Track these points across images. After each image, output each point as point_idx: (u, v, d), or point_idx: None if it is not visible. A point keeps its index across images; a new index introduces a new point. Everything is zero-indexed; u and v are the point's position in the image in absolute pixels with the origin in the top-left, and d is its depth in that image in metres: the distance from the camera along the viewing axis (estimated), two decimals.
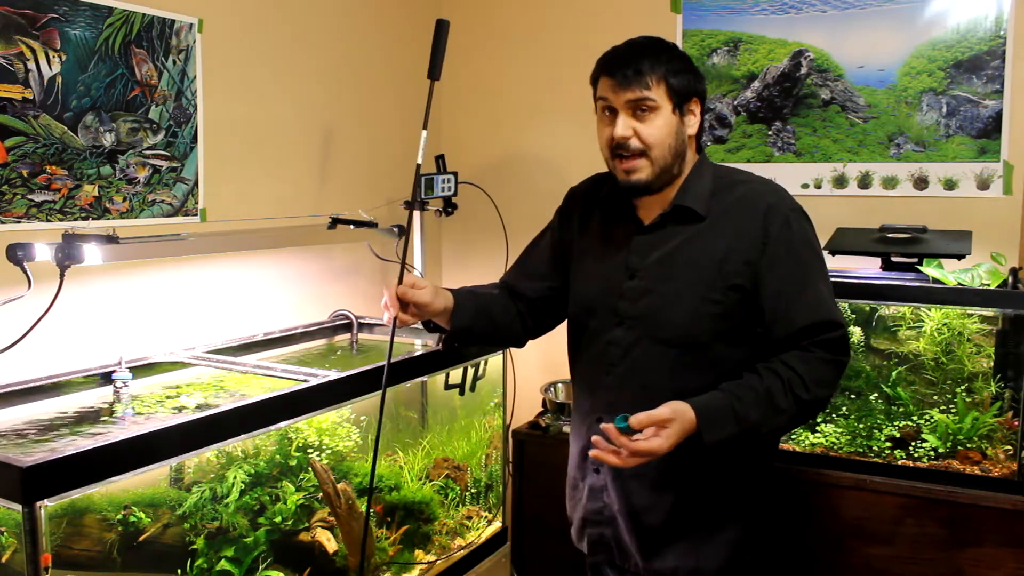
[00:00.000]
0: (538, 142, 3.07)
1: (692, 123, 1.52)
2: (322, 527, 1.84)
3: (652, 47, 1.48)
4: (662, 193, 1.53)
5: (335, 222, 2.39)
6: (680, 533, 1.53)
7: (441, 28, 1.44)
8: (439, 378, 2.20)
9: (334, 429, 1.94)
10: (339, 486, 1.85)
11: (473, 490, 2.33)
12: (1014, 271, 2.11)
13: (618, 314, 1.54)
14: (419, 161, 1.43)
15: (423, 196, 2.58)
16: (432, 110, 3.51)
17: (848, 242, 2.25)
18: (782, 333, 1.45)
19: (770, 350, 1.46)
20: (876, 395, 2.13)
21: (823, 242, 2.22)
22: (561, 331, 1.75)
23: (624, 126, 1.45)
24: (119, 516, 1.52)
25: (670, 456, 1.41)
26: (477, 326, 1.63)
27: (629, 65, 1.45)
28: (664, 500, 1.53)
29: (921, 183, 2.52)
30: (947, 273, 2.04)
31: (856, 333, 2.15)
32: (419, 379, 2.13)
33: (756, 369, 1.44)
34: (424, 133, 1.43)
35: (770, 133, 2.71)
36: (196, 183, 2.24)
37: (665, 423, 1.34)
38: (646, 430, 1.34)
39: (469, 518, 2.29)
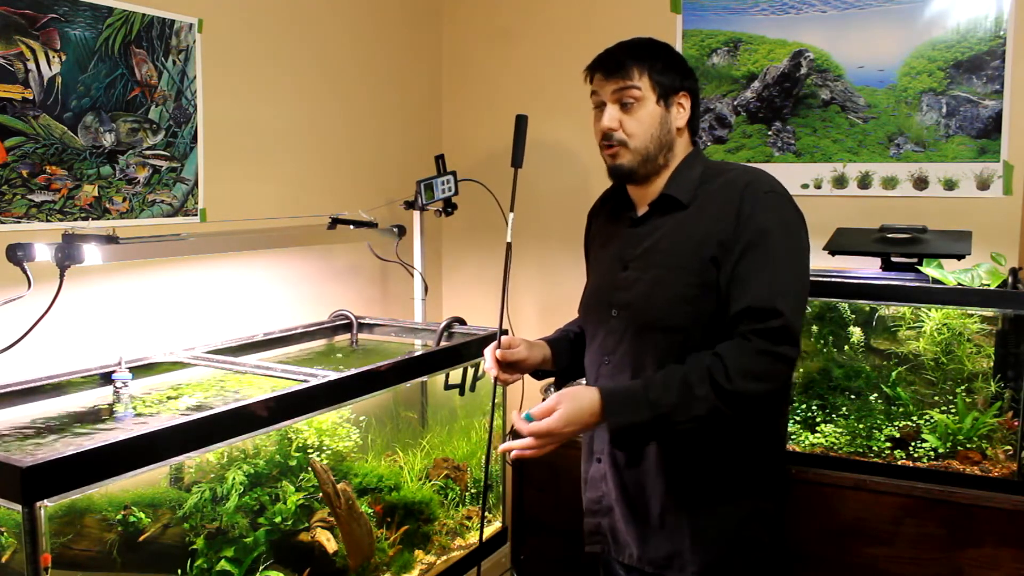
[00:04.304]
0: (538, 139, 3.07)
1: (680, 115, 1.56)
2: (322, 527, 1.84)
3: (639, 44, 1.56)
4: (653, 184, 1.57)
5: (335, 222, 2.39)
6: (675, 522, 1.54)
7: (521, 122, 1.58)
8: (439, 378, 2.20)
9: (334, 429, 1.94)
10: (339, 486, 1.85)
11: (473, 490, 2.33)
12: (1014, 271, 2.11)
13: (612, 304, 1.58)
14: (509, 240, 1.58)
15: (424, 202, 2.58)
16: (432, 109, 3.51)
17: (848, 242, 2.25)
18: (726, 315, 1.44)
19: (723, 334, 1.44)
20: (876, 395, 2.13)
21: (823, 242, 2.23)
22: None
23: (610, 118, 1.53)
24: (119, 516, 1.52)
25: (665, 444, 1.51)
26: (575, 362, 1.74)
27: (614, 58, 1.53)
28: (659, 488, 1.54)
29: (921, 183, 2.52)
30: (947, 273, 2.04)
31: (856, 333, 2.15)
32: (419, 379, 2.14)
33: (688, 358, 1.44)
34: (511, 215, 1.58)
35: (770, 133, 2.71)
36: (196, 183, 2.24)
37: (554, 408, 1.40)
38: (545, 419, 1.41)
39: (469, 518, 2.29)
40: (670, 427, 1.40)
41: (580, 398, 1.41)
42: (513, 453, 1.43)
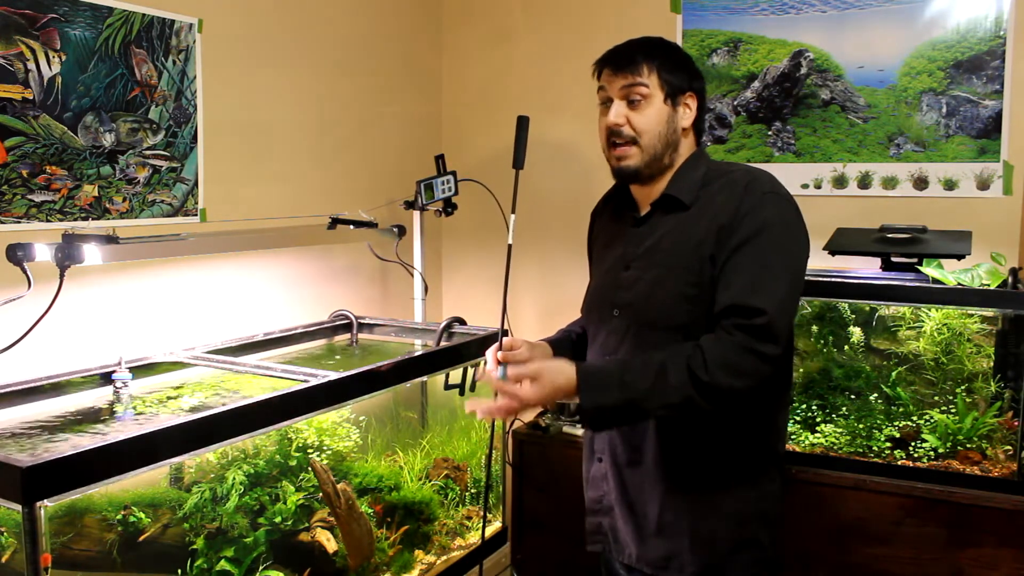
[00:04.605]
0: (539, 139, 3.07)
1: (687, 115, 1.56)
2: (322, 527, 1.84)
3: (650, 42, 1.56)
4: (657, 184, 1.57)
5: (335, 222, 2.39)
6: (674, 523, 1.54)
7: (522, 123, 1.56)
8: (439, 378, 2.20)
9: (334, 429, 1.94)
10: (339, 486, 1.85)
11: (473, 490, 2.33)
12: (1014, 271, 2.11)
13: (614, 304, 1.59)
14: (510, 242, 1.54)
15: (424, 202, 2.57)
16: (432, 108, 3.50)
17: (848, 242, 2.25)
18: (713, 310, 1.44)
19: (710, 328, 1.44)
20: (876, 395, 2.13)
21: (823, 242, 2.23)
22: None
23: (617, 114, 1.52)
24: (119, 516, 1.52)
25: (666, 444, 1.51)
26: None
27: (625, 54, 1.54)
28: (658, 488, 1.54)
29: (921, 183, 2.52)
30: (947, 273, 2.04)
31: (856, 333, 2.15)
32: (419, 379, 2.13)
33: (669, 347, 1.44)
34: (513, 217, 1.55)
35: (770, 133, 2.71)
36: (196, 183, 2.24)
37: (535, 376, 1.40)
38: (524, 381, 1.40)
39: (469, 518, 2.29)
40: (642, 412, 1.40)
41: (560, 373, 1.40)
42: (480, 414, 1.43)
